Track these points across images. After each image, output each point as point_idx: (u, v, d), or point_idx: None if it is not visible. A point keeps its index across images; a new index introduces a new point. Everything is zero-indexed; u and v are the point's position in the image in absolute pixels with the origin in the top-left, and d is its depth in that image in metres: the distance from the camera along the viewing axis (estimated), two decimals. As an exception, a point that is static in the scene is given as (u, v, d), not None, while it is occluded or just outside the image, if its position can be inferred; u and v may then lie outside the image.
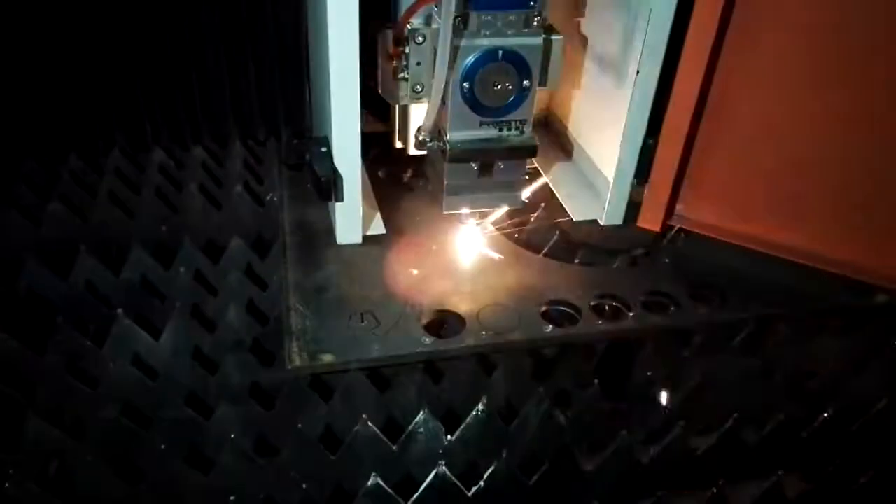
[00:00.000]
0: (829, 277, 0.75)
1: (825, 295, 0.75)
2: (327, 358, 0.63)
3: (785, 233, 0.75)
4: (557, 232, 0.83)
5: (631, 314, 0.69)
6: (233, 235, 0.81)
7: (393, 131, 0.80)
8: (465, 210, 0.76)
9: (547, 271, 0.75)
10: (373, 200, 0.82)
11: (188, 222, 0.88)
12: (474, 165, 0.71)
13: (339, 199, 0.71)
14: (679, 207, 0.77)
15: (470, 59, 0.66)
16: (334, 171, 0.69)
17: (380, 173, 0.89)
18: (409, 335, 0.64)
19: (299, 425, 0.60)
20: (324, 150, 0.68)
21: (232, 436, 0.60)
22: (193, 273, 0.79)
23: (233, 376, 0.68)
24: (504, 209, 0.78)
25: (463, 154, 0.70)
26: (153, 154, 0.98)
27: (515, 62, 0.67)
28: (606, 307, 0.71)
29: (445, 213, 0.75)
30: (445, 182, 0.72)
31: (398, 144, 0.81)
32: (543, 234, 0.85)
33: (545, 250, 0.82)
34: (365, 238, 0.75)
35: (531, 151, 0.72)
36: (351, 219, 0.74)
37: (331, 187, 0.68)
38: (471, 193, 0.73)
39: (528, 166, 0.74)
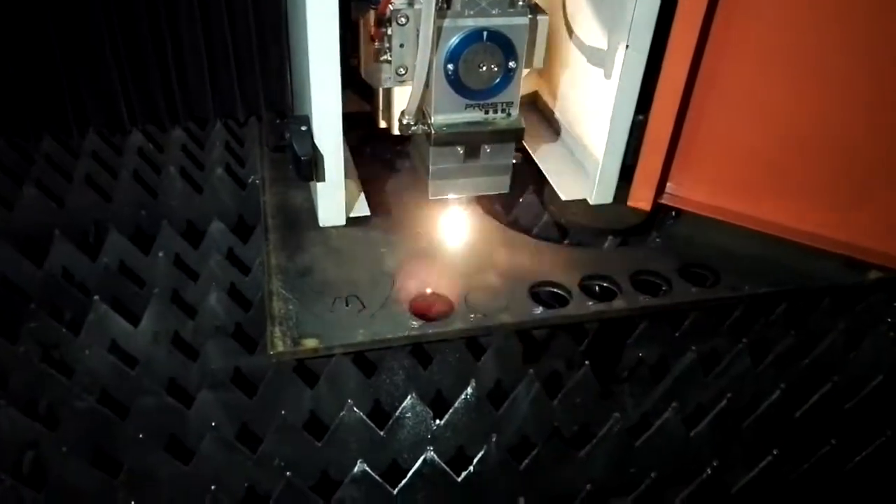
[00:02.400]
0: (824, 255, 0.74)
1: (819, 273, 0.74)
2: (311, 343, 0.61)
3: (777, 210, 0.74)
4: (546, 212, 0.82)
5: (621, 294, 0.68)
6: (213, 219, 0.79)
7: (376, 111, 0.77)
8: (451, 196, 0.74)
9: (536, 252, 0.73)
10: (357, 181, 0.80)
11: (168, 206, 0.86)
12: (460, 149, 0.69)
13: (321, 178, 0.68)
14: (670, 186, 0.75)
15: (454, 40, 0.64)
16: (315, 150, 0.67)
17: (364, 154, 0.86)
18: (396, 319, 0.63)
19: (283, 412, 0.59)
20: (304, 128, 0.66)
21: (213, 423, 0.58)
22: (173, 258, 0.77)
23: (214, 363, 0.67)
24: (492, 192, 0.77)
25: (448, 138, 0.68)
26: (131, 136, 0.96)
27: (501, 43, 0.65)
28: (597, 288, 0.70)
29: (432, 199, 0.73)
30: (430, 167, 0.70)
31: (382, 124, 0.78)
32: (532, 215, 0.84)
33: (534, 231, 0.81)
34: (349, 220, 0.73)
35: (518, 134, 0.70)
36: (333, 200, 0.72)
37: (311, 167, 0.66)
38: (457, 178, 0.72)
39: (515, 149, 0.72)
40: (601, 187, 0.77)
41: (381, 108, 0.76)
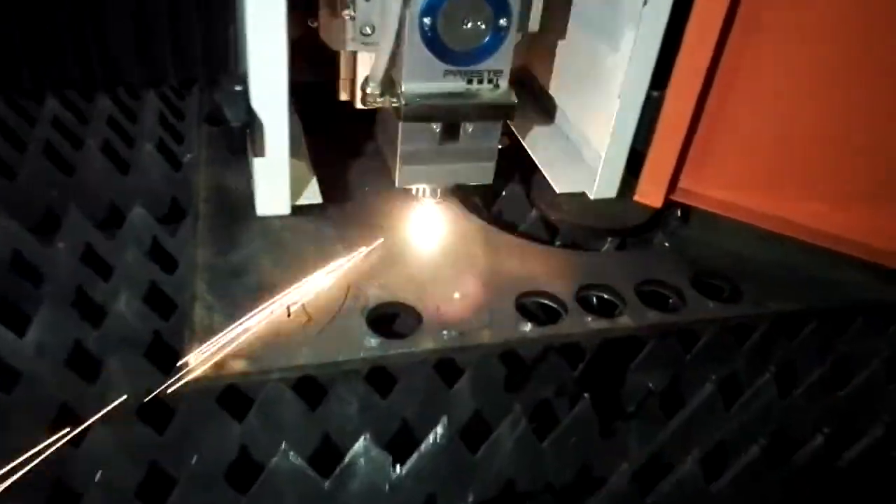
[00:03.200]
0: (852, 264, 0.66)
1: (851, 285, 0.65)
2: (239, 365, 0.50)
3: (801, 211, 0.65)
4: (534, 208, 0.71)
5: (626, 308, 0.60)
6: (135, 204, 0.67)
7: (337, 80, 0.67)
8: (423, 185, 0.65)
9: (523, 256, 0.64)
10: (308, 162, 0.67)
11: (84, 187, 0.73)
12: (436, 127, 0.60)
13: (259, 153, 0.55)
14: (684, 179, 0.65)
15: (433, -12, 0.53)
16: (250, 116, 0.53)
17: (320, 131, 0.75)
18: (350, 334, 0.54)
19: (198, 454, 0.47)
20: (238, 88, 0.52)
21: (106, 468, 0.45)
22: (82, 249, 0.65)
23: (118, 385, 0.53)
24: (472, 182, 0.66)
25: (422, 111, 0.58)
26: (47, 103, 0.82)
27: None
28: (596, 300, 0.61)
29: (399, 187, 0.63)
30: (399, 148, 0.60)
31: (343, 96, 0.68)
32: (519, 210, 0.72)
33: (520, 230, 0.70)
34: (295, 209, 0.63)
35: (508, 112, 0.61)
36: (275, 182, 0.59)
37: (243, 136, 0.52)
38: (431, 163, 0.62)
39: (503, 131, 0.62)
40: (604, 178, 0.66)
41: (342, 76, 0.66)
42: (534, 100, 0.81)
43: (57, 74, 0.82)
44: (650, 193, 0.65)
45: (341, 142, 0.75)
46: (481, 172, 0.64)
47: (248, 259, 0.59)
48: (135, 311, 0.59)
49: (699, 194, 0.65)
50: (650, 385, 0.57)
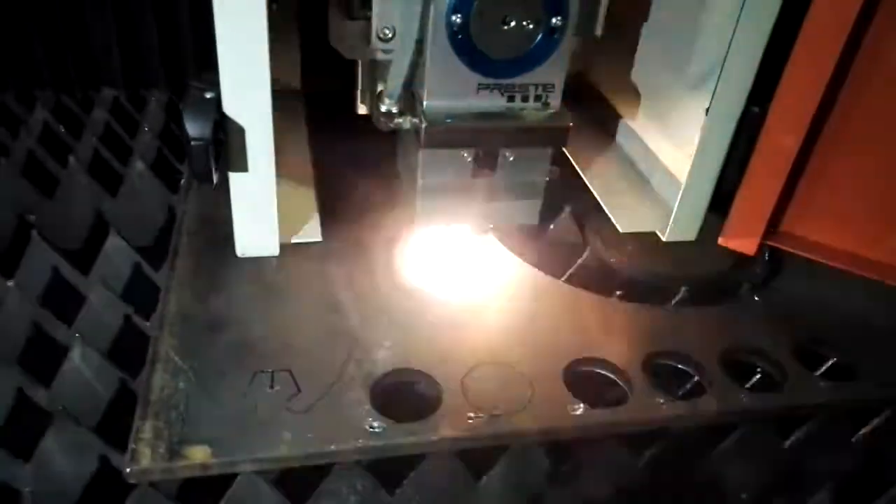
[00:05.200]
0: None
1: None
2: (199, 453, 0.40)
3: None
4: (588, 248, 0.60)
5: (708, 385, 0.49)
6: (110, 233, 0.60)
7: (355, 90, 0.58)
8: (449, 224, 0.56)
9: (575, 309, 0.54)
10: (312, 189, 0.56)
11: (65, 210, 0.67)
12: (467, 155, 0.50)
13: (242, 167, 0.43)
14: (784, 221, 0.54)
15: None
16: (221, 130, 0.42)
17: (329, 150, 0.67)
18: (349, 414, 0.44)
19: None
20: (208, 95, 0.41)
21: None
22: (45, 285, 0.57)
23: (57, 466, 0.45)
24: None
25: (448, 137, 0.49)
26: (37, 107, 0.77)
27: None
28: (668, 373, 0.51)
29: (419, 226, 0.54)
30: (420, 180, 0.51)
31: (361, 109, 0.59)
32: (567, 250, 0.61)
33: (568, 275, 0.59)
34: (287, 248, 0.53)
35: (560, 136, 0.51)
36: (259, 215, 0.48)
37: (207, 158, 0.40)
38: (459, 199, 0.53)
39: (552, 160, 0.53)
40: (682, 216, 0.56)
41: (360, 86, 0.58)
42: (591, 115, 0.71)
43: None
44: (740, 237, 0.54)
45: (357, 160, 0.66)
46: (523, 212, 0.55)
47: (230, 308, 0.51)
48: (95, 367, 0.50)
49: (802, 239, 0.53)
50: (743, 497, 0.44)
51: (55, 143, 0.73)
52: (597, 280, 0.60)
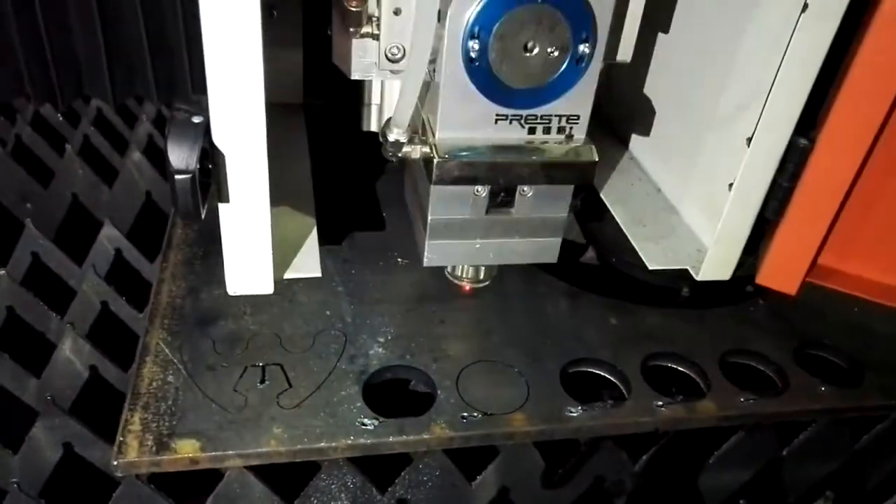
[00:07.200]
0: None
1: None
2: (186, 447, 0.39)
3: None
4: (589, 245, 0.58)
5: (708, 388, 0.48)
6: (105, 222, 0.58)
7: (361, 106, 0.53)
8: (459, 263, 0.52)
9: (573, 308, 0.53)
10: (309, 218, 0.50)
11: (61, 199, 0.66)
12: (481, 191, 0.45)
13: (226, 198, 0.39)
14: (826, 254, 0.48)
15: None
16: (208, 159, 0.38)
17: (334, 170, 0.62)
18: (340, 409, 0.43)
19: None
20: (195, 119, 0.37)
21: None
22: (34, 273, 0.57)
23: (46, 456, 0.44)
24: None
25: (462, 172, 0.43)
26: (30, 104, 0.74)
27: (567, 6, 0.40)
28: (667, 375, 0.49)
29: (426, 266, 0.49)
30: (429, 217, 0.46)
31: (371, 127, 0.53)
32: (570, 247, 0.58)
33: (567, 273, 0.56)
34: (282, 283, 0.46)
35: (586, 172, 0.45)
36: (253, 252, 0.42)
37: (194, 193, 0.36)
38: (472, 238, 0.47)
39: (574, 194, 0.47)
40: (717, 255, 0.49)
41: (368, 102, 0.53)
42: (616, 139, 0.64)
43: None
44: (781, 275, 0.48)
45: (363, 183, 0.63)
46: (543, 250, 0.49)
47: (224, 301, 0.48)
48: (85, 359, 0.49)
49: (848, 275, 0.49)
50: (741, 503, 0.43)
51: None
52: (597, 280, 0.57)
